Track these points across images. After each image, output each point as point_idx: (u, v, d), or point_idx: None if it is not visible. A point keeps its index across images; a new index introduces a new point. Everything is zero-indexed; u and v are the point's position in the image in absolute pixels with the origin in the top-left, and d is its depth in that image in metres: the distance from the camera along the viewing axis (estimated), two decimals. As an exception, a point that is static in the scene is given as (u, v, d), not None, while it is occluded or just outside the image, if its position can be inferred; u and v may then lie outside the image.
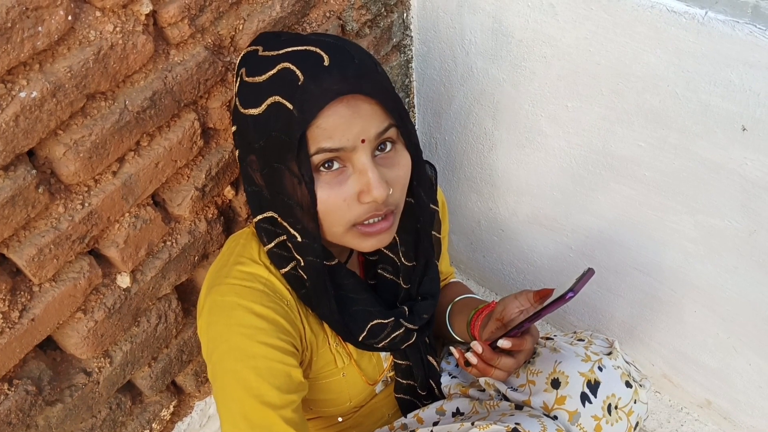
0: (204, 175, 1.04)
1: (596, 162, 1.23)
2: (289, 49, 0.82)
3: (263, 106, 0.82)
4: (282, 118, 0.80)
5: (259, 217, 0.92)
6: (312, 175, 0.82)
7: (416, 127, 1.55)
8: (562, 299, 0.86)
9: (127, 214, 0.96)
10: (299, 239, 0.88)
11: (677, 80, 1.03)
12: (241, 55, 0.91)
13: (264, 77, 0.82)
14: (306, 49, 0.81)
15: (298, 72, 0.79)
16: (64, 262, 0.90)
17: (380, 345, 1.01)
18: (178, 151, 0.98)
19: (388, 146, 0.86)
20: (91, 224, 0.91)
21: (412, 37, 1.38)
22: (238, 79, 0.88)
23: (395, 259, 1.01)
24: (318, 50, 0.80)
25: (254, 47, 0.88)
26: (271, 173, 0.85)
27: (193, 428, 1.30)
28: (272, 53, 0.83)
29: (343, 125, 0.79)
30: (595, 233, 1.36)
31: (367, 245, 0.90)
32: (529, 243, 1.52)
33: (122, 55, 0.85)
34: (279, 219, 0.89)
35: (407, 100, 1.49)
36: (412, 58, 1.42)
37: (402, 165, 0.87)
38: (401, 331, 1.01)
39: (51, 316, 0.91)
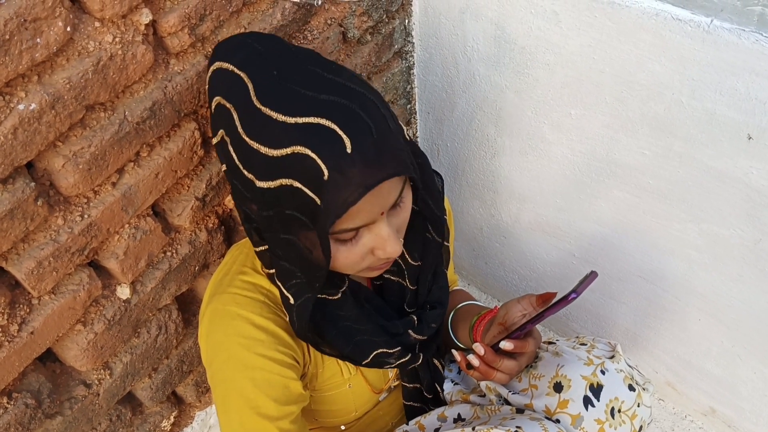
0: (204, 185, 1.03)
1: (600, 170, 1.23)
2: (300, 121, 0.71)
3: (276, 183, 0.74)
4: (300, 202, 0.74)
5: (259, 249, 0.89)
6: (330, 246, 0.77)
7: (418, 134, 1.55)
8: (564, 300, 0.87)
9: (126, 225, 0.95)
10: (291, 301, 0.86)
11: (682, 88, 1.02)
12: (216, 71, 0.80)
13: (276, 153, 0.72)
14: (319, 125, 0.71)
15: (320, 163, 0.70)
16: (64, 275, 0.89)
17: (387, 366, 1.01)
18: (178, 161, 0.97)
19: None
20: (91, 236, 0.90)
21: (413, 43, 1.37)
22: (235, 114, 0.77)
23: (399, 261, 1.00)
24: (334, 127, 0.71)
25: (239, 72, 0.77)
26: (276, 240, 0.81)
27: (194, 438, 1.30)
28: (278, 116, 0.72)
29: (367, 208, 0.75)
30: (598, 241, 1.35)
31: (375, 275, 0.90)
32: (531, 250, 1.51)
33: (122, 65, 0.84)
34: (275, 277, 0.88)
35: (409, 106, 1.48)
36: (413, 64, 1.41)
37: (407, 205, 0.84)
38: (407, 358, 1.00)
39: (50, 329, 0.90)
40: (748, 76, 0.94)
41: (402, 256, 0.99)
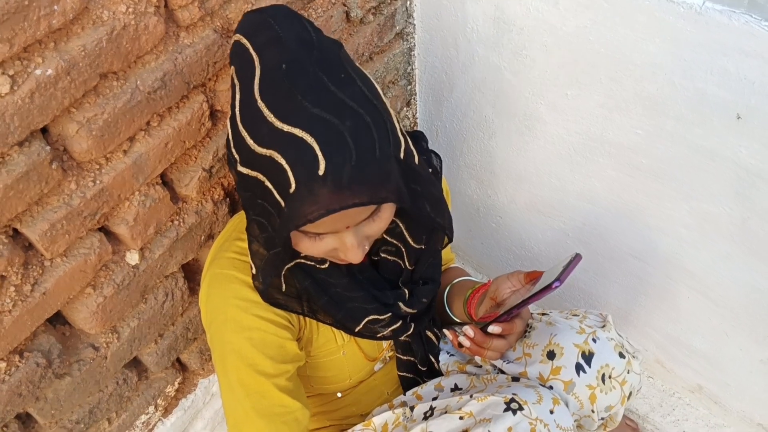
0: (211, 157, 1.06)
1: (594, 149, 1.26)
2: (285, 128, 0.73)
3: (253, 174, 0.78)
4: (269, 199, 0.77)
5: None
6: (290, 241, 0.82)
7: (418, 115, 1.58)
8: (548, 288, 0.89)
9: (136, 193, 0.98)
10: (254, 271, 0.91)
11: (675, 68, 1.05)
12: (236, 43, 0.82)
13: (256, 149, 0.75)
14: (302, 139, 0.72)
15: (290, 175, 0.73)
16: (76, 238, 0.92)
17: (379, 336, 1.04)
18: (186, 131, 1.00)
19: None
20: (102, 201, 0.93)
21: (414, 24, 1.40)
22: (238, 94, 0.80)
23: (398, 244, 1.02)
24: (314, 145, 0.71)
25: (253, 54, 0.79)
26: (249, 217, 0.86)
27: (197, 405, 1.33)
28: (268, 115, 0.74)
29: (330, 222, 0.77)
30: (591, 220, 1.38)
31: (339, 263, 0.92)
32: (526, 229, 1.55)
33: (134, 35, 0.87)
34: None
35: (409, 87, 1.51)
36: (414, 45, 1.44)
37: (384, 218, 0.85)
38: (398, 324, 1.03)
39: (62, 291, 0.93)
40: (738, 56, 0.98)
41: (403, 239, 1.01)
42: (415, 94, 1.54)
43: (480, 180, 1.55)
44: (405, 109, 1.54)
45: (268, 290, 0.92)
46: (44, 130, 0.85)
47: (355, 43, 1.28)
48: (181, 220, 1.08)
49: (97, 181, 0.91)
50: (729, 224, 1.16)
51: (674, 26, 1.02)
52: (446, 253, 1.30)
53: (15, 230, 0.87)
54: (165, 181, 1.04)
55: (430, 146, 1.11)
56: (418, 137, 1.08)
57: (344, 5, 1.20)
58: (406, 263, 1.03)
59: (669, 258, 1.30)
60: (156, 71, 0.92)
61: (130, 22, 0.85)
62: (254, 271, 0.90)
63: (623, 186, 1.27)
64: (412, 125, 1.58)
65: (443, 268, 1.29)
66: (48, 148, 0.84)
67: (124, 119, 0.90)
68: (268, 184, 0.76)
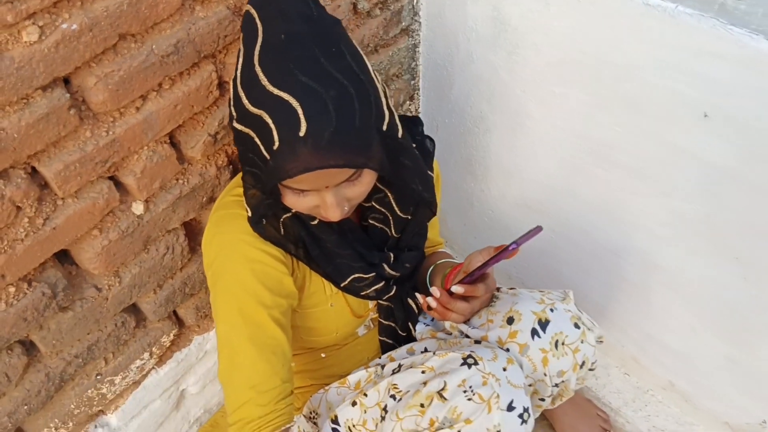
0: (217, 123, 1.16)
1: (578, 146, 1.33)
2: (275, 92, 0.83)
3: (245, 129, 0.89)
4: (258, 153, 0.88)
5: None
6: (278, 190, 0.93)
7: (420, 109, 1.66)
8: (506, 250, 1.00)
9: (145, 148, 1.08)
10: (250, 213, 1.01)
11: (650, 68, 1.13)
12: (247, 12, 0.90)
13: (249, 108, 0.86)
14: (288, 102, 0.82)
15: (275, 134, 0.83)
16: (87, 181, 1.02)
17: (362, 294, 1.13)
18: (195, 97, 1.10)
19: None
20: (113, 151, 1.03)
21: (420, 22, 1.49)
22: (241, 58, 0.90)
23: (386, 212, 1.11)
24: (298, 106, 0.81)
25: (258, 23, 0.88)
26: (244, 170, 0.97)
27: (190, 360, 1.41)
28: (263, 79, 0.84)
29: (311, 180, 0.87)
30: (575, 216, 1.45)
31: (325, 220, 1.01)
32: (516, 224, 1.62)
33: (153, 2, 0.97)
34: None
35: (413, 82, 1.60)
36: (419, 42, 1.53)
37: (364, 183, 0.94)
38: (381, 284, 1.12)
39: (70, 228, 1.03)
40: (707, 57, 1.05)
41: (391, 208, 1.11)
42: (419, 89, 1.63)
43: (474, 174, 1.63)
44: (408, 102, 1.63)
45: (266, 227, 1.02)
46: (66, 81, 0.95)
47: (361, 34, 1.37)
48: (186, 180, 1.17)
49: (110, 132, 1.01)
50: (696, 221, 1.22)
51: (651, 28, 1.09)
52: (435, 236, 1.38)
53: (33, 169, 0.97)
54: (173, 141, 1.14)
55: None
56: (415, 122, 1.18)
57: (352, -3, 1.30)
58: (392, 231, 1.12)
59: (643, 254, 1.36)
60: (170, 38, 1.02)
61: (149, -11, 0.96)
62: (249, 213, 1.00)
63: (603, 182, 1.33)
64: (414, 120, 1.67)
65: (431, 250, 1.38)
66: (68, 95, 0.94)
67: (139, 78, 1.00)
68: (257, 140, 0.87)
